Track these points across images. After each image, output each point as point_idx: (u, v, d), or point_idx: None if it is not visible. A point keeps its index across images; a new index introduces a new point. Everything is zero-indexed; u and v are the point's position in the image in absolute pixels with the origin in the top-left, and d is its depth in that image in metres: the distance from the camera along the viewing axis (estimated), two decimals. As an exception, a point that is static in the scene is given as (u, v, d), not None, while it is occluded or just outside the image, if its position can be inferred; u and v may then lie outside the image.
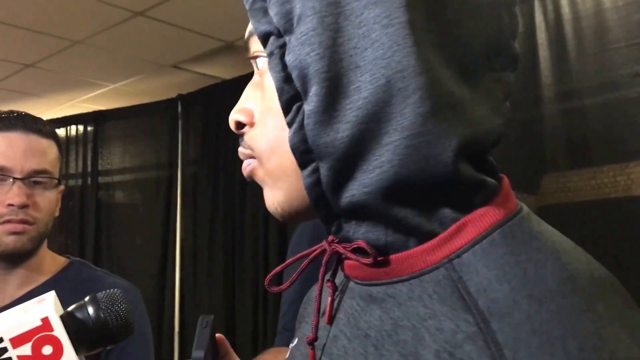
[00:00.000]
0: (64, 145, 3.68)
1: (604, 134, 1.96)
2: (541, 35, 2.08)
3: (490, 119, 0.44)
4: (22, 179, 1.06)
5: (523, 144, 2.11)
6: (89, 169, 4.08)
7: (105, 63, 3.33)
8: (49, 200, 1.10)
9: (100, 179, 4.08)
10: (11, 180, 1.05)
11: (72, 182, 4.07)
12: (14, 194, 1.04)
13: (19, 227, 1.05)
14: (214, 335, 0.62)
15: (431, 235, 0.43)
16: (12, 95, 3.87)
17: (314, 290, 0.61)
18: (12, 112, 1.12)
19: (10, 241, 1.05)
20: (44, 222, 1.09)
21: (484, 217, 0.43)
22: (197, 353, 0.56)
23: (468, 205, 0.44)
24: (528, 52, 2.10)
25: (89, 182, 4.07)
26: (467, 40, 0.43)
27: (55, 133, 1.16)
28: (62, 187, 1.18)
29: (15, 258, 1.09)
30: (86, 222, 4.01)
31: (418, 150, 0.41)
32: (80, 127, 4.16)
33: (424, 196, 0.43)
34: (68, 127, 4.17)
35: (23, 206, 1.05)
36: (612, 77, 1.94)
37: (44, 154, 1.10)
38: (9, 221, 1.05)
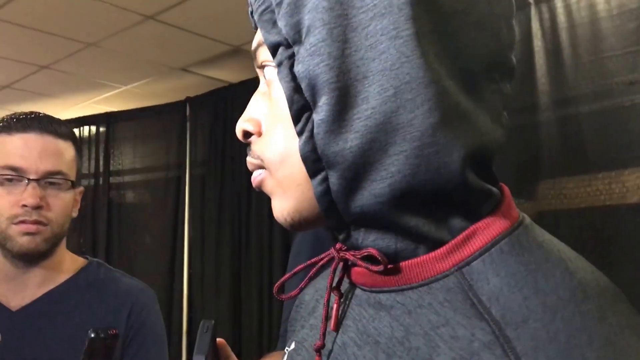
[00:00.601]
0: (77, 145, 3.67)
1: (599, 141, 1.95)
2: (537, 43, 2.07)
3: (493, 129, 0.44)
4: (36, 180, 1.06)
5: (519, 150, 2.10)
6: (101, 169, 4.08)
7: (117, 65, 3.35)
8: (63, 201, 1.10)
9: (112, 179, 4.08)
10: (26, 181, 1.05)
11: (84, 182, 4.07)
12: (28, 194, 1.04)
13: (32, 227, 1.05)
14: (215, 340, 0.63)
15: (440, 243, 0.44)
16: (28, 96, 3.89)
17: (307, 293, 0.63)
18: (30, 113, 1.12)
19: (24, 241, 1.05)
20: (58, 223, 1.09)
21: (491, 225, 0.43)
22: (198, 357, 0.57)
23: (476, 214, 0.44)
24: (524, 59, 2.08)
25: (101, 182, 4.07)
26: (469, 52, 0.43)
27: (73, 134, 1.15)
28: (81, 188, 1.17)
29: (32, 258, 1.09)
30: (98, 221, 4.00)
31: (428, 160, 0.41)
32: (93, 128, 4.17)
33: (434, 205, 0.43)
34: (81, 128, 4.18)
35: (37, 207, 1.05)
36: (607, 85, 1.93)
37: (59, 155, 1.09)
38: (23, 222, 1.05)
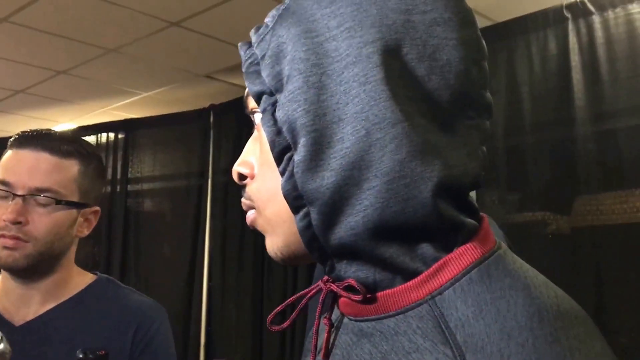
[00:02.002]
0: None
1: (636, 157, 2.04)
2: (574, 58, 2.16)
3: (465, 162, 0.50)
4: (21, 196, 1.10)
5: (556, 165, 2.19)
6: (119, 176, 4.13)
7: (139, 72, 3.40)
8: (52, 219, 1.11)
9: (130, 187, 4.11)
10: (12, 196, 1.10)
11: (101, 189, 4.15)
12: (9, 209, 1.08)
13: (9, 242, 1.08)
14: None
15: (415, 273, 0.49)
16: (43, 101, 3.94)
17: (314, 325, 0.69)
18: (31, 131, 1.16)
19: (3, 255, 1.09)
20: (44, 240, 1.10)
21: (463, 256, 0.49)
22: None
23: (449, 244, 0.50)
24: (561, 74, 2.17)
25: (118, 189, 4.12)
26: (437, 93, 0.49)
27: (80, 153, 1.17)
28: (94, 208, 1.20)
29: (19, 273, 1.13)
30: (114, 229, 4.04)
31: (397, 193, 0.47)
32: (111, 135, 4.21)
33: (407, 236, 0.49)
34: (99, 135, 4.24)
35: (16, 222, 1.08)
36: (645, 101, 2.01)
37: (52, 173, 1.12)
38: (2, 235, 1.09)
